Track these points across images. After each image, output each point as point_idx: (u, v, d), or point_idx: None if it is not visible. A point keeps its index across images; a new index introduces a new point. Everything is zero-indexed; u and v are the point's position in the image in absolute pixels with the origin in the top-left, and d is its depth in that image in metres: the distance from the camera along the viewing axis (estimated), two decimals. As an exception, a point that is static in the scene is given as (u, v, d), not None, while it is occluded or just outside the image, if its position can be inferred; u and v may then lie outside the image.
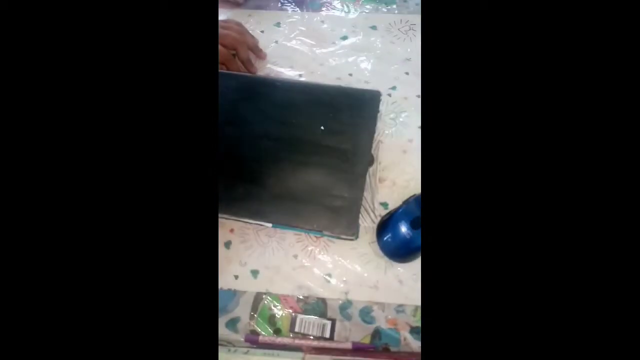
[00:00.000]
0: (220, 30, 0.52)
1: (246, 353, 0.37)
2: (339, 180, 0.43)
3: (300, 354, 0.37)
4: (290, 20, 0.58)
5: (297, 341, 0.39)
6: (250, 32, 0.55)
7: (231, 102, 0.48)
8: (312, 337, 0.40)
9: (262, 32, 0.57)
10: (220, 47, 0.51)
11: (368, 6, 0.59)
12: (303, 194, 0.43)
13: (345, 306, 0.41)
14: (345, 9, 0.59)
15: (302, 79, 0.53)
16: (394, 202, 0.44)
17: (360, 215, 0.42)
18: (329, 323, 0.40)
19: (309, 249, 0.43)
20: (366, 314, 0.40)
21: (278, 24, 0.58)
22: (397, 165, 0.47)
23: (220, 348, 0.38)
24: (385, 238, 0.41)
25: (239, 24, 0.55)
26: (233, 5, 0.60)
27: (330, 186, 0.43)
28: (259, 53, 0.54)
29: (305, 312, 0.41)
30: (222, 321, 0.41)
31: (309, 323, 0.40)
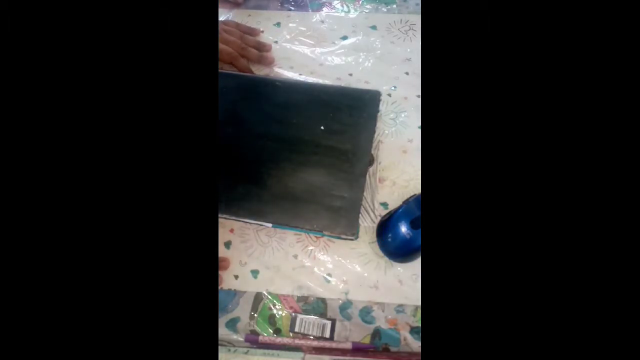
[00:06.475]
0: (223, 35, 0.52)
1: (246, 353, 0.37)
2: (339, 180, 0.43)
3: (300, 354, 0.37)
4: (290, 20, 0.58)
5: (297, 341, 0.39)
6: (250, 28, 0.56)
7: (231, 102, 0.48)
8: (312, 337, 0.40)
9: (262, 32, 0.57)
10: (226, 48, 0.51)
11: (368, 6, 0.59)
12: (303, 194, 0.43)
13: (345, 306, 0.41)
14: (345, 9, 0.59)
15: (302, 78, 0.53)
16: (394, 202, 0.44)
17: (360, 215, 0.42)
18: (329, 323, 0.40)
19: (309, 249, 0.43)
20: (366, 314, 0.40)
21: (278, 24, 0.58)
22: (397, 165, 0.47)
23: (220, 348, 0.38)
24: (385, 238, 0.41)
25: (238, 25, 0.55)
26: (233, 5, 0.60)
27: (330, 186, 0.43)
28: (263, 48, 0.54)
29: (305, 312, 0.41)
30: (222, 321, 0.41)
31: (309, 323, 0.40)
